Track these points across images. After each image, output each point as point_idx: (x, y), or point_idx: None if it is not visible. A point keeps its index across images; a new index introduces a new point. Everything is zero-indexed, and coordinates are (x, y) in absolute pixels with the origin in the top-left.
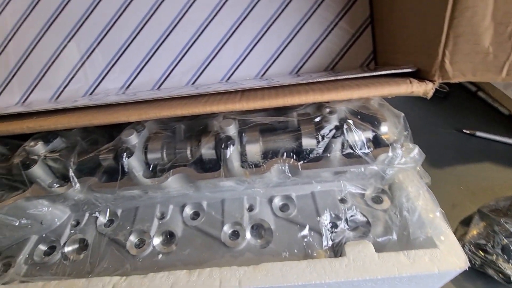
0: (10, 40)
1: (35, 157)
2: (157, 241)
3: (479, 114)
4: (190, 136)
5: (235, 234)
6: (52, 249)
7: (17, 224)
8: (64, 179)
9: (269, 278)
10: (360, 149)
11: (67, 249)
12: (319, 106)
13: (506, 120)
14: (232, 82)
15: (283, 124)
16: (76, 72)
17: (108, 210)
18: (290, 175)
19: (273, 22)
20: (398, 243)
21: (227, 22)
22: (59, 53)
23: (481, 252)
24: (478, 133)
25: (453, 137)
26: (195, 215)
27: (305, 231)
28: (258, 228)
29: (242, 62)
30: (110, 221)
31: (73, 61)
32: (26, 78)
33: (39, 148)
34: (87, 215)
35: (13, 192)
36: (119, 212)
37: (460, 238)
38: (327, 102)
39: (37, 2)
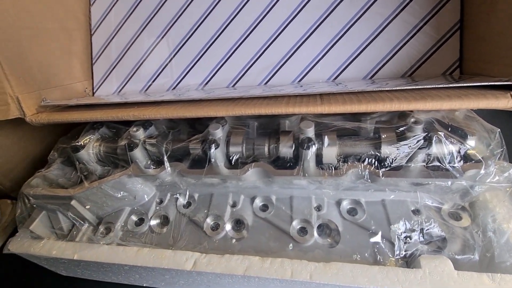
0: (113, 37)
1: (137, 141)
2: (228, 226)
3: None
4: (267, 134)
5: (303, 231)
6: (141, 220)
7: (118, 196)
8: (156, 162)
9: (339, 276)
10: (449, 162)
11: (153, 222)
12: (401, 114)
13: None
14: (304, 84)
15: (358, 129)
16: (164, 68)
17: (188, 193)
18: (369, 181)
19: (351, 25)
20: (479, 264)
21: (305, 24)
22: (152, 50)
23: None
24: None
25: None
26: (265, 207)
27: (377, 238)
28: (325, 228)
29: (315, 64)
30: (188, 203)
31: (163, 58)
32: (123, 71)
33: (140, 133)
34: (168, 195)
35: (116, 169)
36: (196, 196)
37: None
38: (411, 111)
39: (137, 5)
